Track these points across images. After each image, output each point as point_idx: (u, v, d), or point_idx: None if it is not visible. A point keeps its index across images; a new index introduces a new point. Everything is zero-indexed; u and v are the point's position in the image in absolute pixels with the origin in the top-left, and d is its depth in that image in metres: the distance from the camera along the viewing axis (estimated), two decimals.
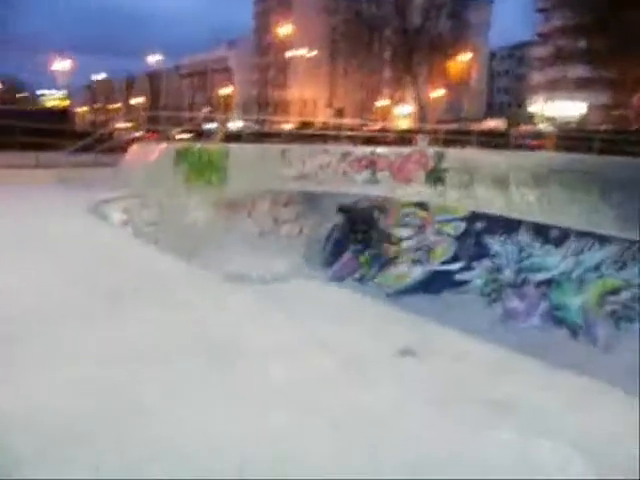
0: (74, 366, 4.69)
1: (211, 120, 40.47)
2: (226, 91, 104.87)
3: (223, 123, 35.79)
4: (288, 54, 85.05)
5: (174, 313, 5.95)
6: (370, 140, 28.68)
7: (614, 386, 9.20)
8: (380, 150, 21.62)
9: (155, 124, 23.50)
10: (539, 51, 72.65)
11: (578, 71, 57.96)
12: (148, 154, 17.72)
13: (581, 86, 59.24)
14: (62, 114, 31.85)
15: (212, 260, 12.69)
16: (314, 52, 78.09)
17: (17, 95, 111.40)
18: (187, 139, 28.49)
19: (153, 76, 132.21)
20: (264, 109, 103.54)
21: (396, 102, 70.93)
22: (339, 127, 33.93)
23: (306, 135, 28.74)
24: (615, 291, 11.43)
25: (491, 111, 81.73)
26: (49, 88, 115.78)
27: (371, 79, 71.94)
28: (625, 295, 11.29)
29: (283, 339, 5.72)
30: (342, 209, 16.67)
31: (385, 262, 15.53)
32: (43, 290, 6.63)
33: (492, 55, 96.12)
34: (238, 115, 79.71)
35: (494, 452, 3.85)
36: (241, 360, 4.95)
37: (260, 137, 33.29)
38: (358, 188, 19.27)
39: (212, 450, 3.58)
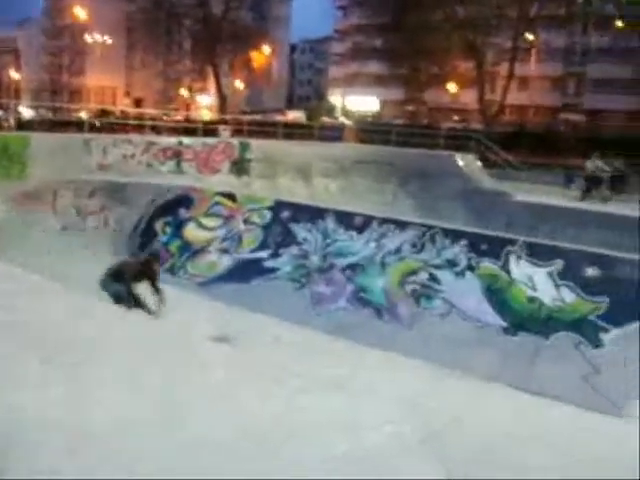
0: None
1: None
2: (14, 75, 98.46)
3: (13, 110, 33.58)
4: (84, 39, 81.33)
5: None
6: (174, 130, 28.35)
7: (415, 358, 10.01)
8: (185, 140, 21.46)
9: None
10: (338, 46, 75.36)
11: (374, 67, 60.86)
12: None
13: (376, 82, 62.30)
14: None
15: (15, 258, 11.99)
16: (111, 39, 75.31)
17: None
18: None
19: None
20: (58, 96, 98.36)
21: (198, 92, 70.50)
22: (140, 117, 33.10)
23: (107, 124, 27.79)
24: (414, 272, 12.29)
25: (292, 103, 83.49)
26: None
27: (172, 69, 70.89)
28: (423, 275, 12.19)
29: (102, 331, 5.63)
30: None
31: (195, 252, 15.48)
32: None
33: (294, 48, 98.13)
34: (28, 101, 75.05)
35: (326, 415, 4.13)
36: (69, 349, 4.91)
37: (55, 125, 31.68)
38: (164, 178, 19.01)
39: None
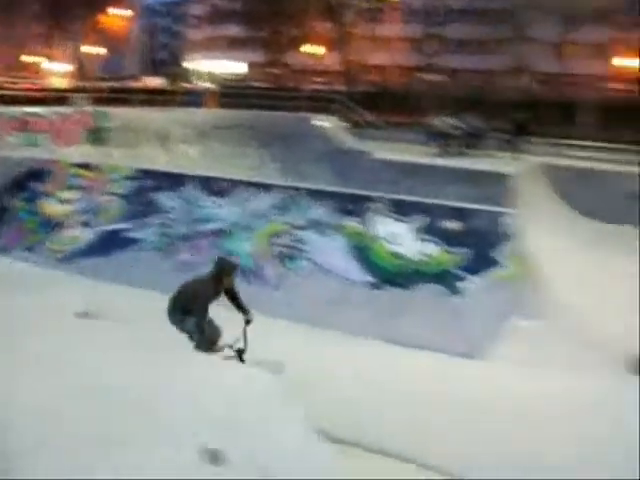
0: None
1: None
2: None
3: None
4: None
5: None
6: (23, 99, 26.76)
7: (282, 318, 10.12)
8: (36, 110, 20.34)
9: None
10: (196, 9, 73.52)
11: (234, 30, 59.90)
12: None
13: (237, 45, 61.40)
14: None
15: None
16: None
17: None
18: None
19: None
20: None
21: (49, 59, 66.96)
22: None
23: None
24: (279, 234, 12.33)
25: (152, 68, 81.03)
26: None
27: (18, 34, 66.81)
28: (288, 237, 12.24)
29: None
30: None
31: (54, 226, 14.78)
32: None
33: (151, 11, 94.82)
34: None
35: (197, 381, 4.16)
36: None
37: None
38: (13, 151, 17.93)
39: None
